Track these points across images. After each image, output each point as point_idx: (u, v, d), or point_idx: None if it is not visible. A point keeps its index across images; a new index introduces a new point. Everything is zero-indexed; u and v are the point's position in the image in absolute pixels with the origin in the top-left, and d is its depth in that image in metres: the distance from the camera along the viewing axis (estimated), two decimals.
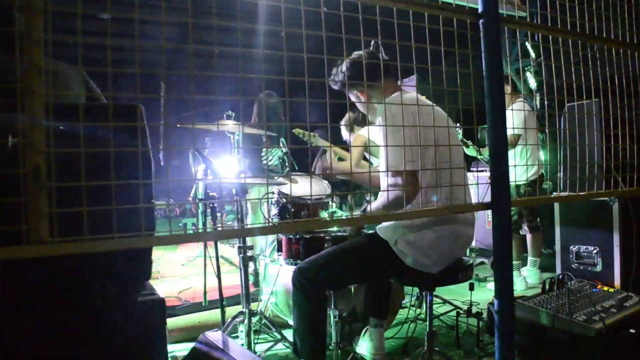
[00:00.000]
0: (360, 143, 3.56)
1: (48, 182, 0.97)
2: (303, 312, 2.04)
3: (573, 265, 3.09)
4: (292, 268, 2.39)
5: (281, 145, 3.95)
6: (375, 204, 2.00)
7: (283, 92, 1.36)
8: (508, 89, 3.92)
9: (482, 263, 4.77)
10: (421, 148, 1.81)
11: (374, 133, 2.21)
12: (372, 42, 2.09)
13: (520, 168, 3.82)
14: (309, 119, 1.40)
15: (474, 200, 2.19)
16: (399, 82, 2.13)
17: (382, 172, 1.93)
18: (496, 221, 1.57)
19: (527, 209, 4.00)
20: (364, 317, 2.52)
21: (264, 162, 4.16)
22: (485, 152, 3.96)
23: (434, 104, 1.95)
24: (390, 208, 1.88)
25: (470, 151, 3.93)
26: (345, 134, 3.89)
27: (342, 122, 3.80)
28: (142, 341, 1.34)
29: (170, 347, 2.66)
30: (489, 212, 1.60)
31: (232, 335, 2.57)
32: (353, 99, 2.22)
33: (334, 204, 2.97)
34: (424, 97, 2.15)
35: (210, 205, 3.00)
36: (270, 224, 2.81)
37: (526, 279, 3.95)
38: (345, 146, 3.91)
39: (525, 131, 3.69)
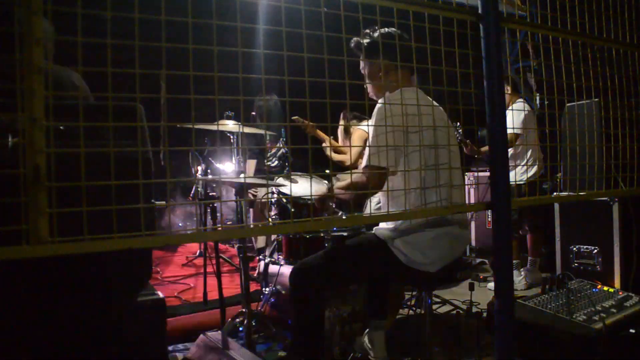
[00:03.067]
0: (360, 138, 3.60)
1: (48, 182, 0.97)
2: (301, 312, 2.04)
3: (573, 265, 3.09)
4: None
5: (281, 145, 3.95)
6: (339, 183, 2.05)
7: (283, 91, 1.36)
8: (508, 89, 3.92)
9: (482, 263, 4.77)
10: (423, 148, 1.81)
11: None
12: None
13: (521, 168, 3.82)
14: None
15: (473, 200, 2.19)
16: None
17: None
18: (496, 221, 1.57)
19: (528, 208, 4.00)
20: (364, 317, 2.52)
21: (267, 163, 4.17)
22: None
23: (435, 104, 1.95)
24: (352, 188, 1.97)
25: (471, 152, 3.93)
26: (341, 131, 3.91)
27: (340, 122, 3.82)
28: (142, 341, 1.34)
29: (170, 347, 2.66)
30: (489, 212, 1.60)
31: (232, 336, 2.57)
32: (367, 66, 2.17)
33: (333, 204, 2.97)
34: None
35: (210, 205, 3.00)
36: (270, 224, 2.81)
37: (526, 278, 3.95)
38: (340, 146, 3.94)
39: (526, 131, 3.69)
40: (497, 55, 1.53)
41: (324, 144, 2.66)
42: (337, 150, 3.92)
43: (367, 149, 1.94)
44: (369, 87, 2.19)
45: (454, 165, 2.01)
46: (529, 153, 3.91)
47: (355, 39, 2.09)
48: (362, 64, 2.18)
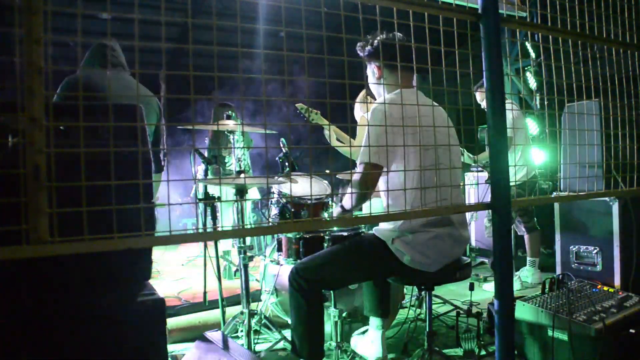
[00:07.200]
0: (363, 127, 3.56)
1: (48, 182, 0.97)
2: (301, 312, 2.04)
3: (573, 265, 3.09)
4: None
5: (281, 145, 3.95)
6: (345, 199, 2.06)
7: (284, 91, 1.36)
8: None
9: (482, 263, 4.77)
10: (421, 149, 1.81)
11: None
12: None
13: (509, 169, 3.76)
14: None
15: (473, 200, 2.19)
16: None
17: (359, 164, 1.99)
18: (496, 221, 1.57)
19: (521, 209, 3.96)
20: (364, 317, 2.52)
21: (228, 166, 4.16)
22: (482, 156, 3.92)
23: (435, 104, 1.95)
24: (357, 198, 1.97)
25: (466, 159, 3.89)
26: (358, 111, 3.86)
27: (358, 99, 3.78)
28: (142, 341, 1.34)
29: (170, 347, 2.66)
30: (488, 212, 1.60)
31: (232, 335, 2.57)
32: (369, 72, 2.23)
33: (333, 204, 2.97)
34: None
35: (211, 205, 2.99)
36: (270, 224, 2.81)
37: (521, 278, 3.93)
38: (343, 124, 3.88)
39: (514, 132, 3.65)
40: (497, 56, 1.53)
41: (325, 132, 2.63)
42: (340, 138, 3.86)
43: (363, 144, 1.94)
44: (373, 91, 2.23)
45: (454, 166, 2.01)
46: (517, 154, 3.83)
47: (360, 43, 2.14)
48: (370, 67, 2.24)
